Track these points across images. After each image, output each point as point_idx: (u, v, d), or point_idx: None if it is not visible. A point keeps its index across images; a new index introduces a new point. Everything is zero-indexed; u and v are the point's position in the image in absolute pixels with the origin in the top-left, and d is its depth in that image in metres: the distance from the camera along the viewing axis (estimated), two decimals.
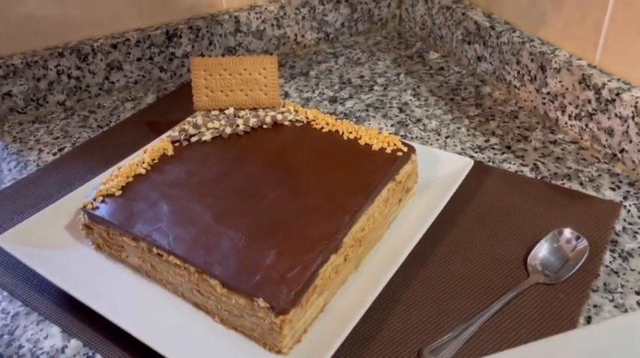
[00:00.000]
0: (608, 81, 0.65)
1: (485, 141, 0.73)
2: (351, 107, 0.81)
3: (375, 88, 0.86)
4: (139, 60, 0.86)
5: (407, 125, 0.77)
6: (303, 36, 0.97)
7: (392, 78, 0.88)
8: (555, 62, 0.71)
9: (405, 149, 0.58)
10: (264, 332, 0.45)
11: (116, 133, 0.78)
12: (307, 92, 0.85)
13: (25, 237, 0.56)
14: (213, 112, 0.65)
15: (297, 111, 0.64)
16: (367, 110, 0.80)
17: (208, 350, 0.46)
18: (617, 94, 0.64)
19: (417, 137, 0.74)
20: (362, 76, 0.89)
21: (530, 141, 0.72)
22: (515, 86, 0.80)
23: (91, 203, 0.54)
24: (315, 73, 0.90)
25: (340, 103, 0.82)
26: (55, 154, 0.74)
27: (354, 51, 0.97)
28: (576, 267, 0.53)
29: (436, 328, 0.49)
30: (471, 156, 0.70)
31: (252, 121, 0.62)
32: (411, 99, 0.82)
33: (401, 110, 0.80)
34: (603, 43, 0.68)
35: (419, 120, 0.77)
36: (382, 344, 0.48)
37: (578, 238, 0.55)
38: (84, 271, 0.53)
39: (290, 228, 0.50)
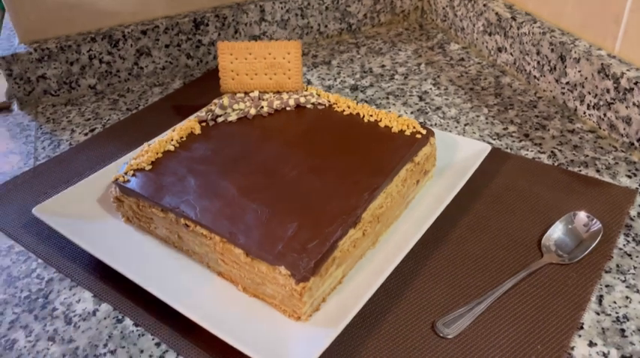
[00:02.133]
0: (627, 70, 0.66)
1: (504, 129, 0.74)
2: (372, 95, 0.83)
3: (396, 77, 0.87)
4: (167, 46, 0.89)
5: (426, 113, 0.78)
6: (326, 26, 0.99)
7: (413, 67, 0.90)
8: (575, 52, 0.72)
9: (424, 132, 0.60)
10: (284, 299, 0.48)
11: (144, 116, 0.81)
12: (329, 80, 0.87)
13: (59, 208, 0.59)
14: (238, 95, 0.67)
15: (319, 95, 0.66)
16: (387, 98, 0.82)
17: (232, 315, 0.48)
18: (636, 83, 0.64)
19: (436, 124, 0.75)
20: (383, 66, 0.91)
21: (549, 130, 0.73)
22: (534, 76, 0.81)
23: (123, 176, 0.57)
24: (337, 62, 0.92)
25: (361, 91, 0.84)
26: (86, 134, 0.78)
27: (375, 41, 0.99)
28: (589, 248, 0.54)
29: (450, 303, 0.51)
30: (489, 143, 0.71)
31: (276, 103, 0.65)
32: (431, 88, 0.84)
33: (421, 98, 0.82)
34: (623, 33, 0.68)
35: (438, 108, 0.79)
36: (397, 315, 0.50)
37: (592, 220, 0.56)
38: (114, 241, 0.56)
39: (311, 203, 0.52)
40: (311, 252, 0.47)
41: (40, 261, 0.58)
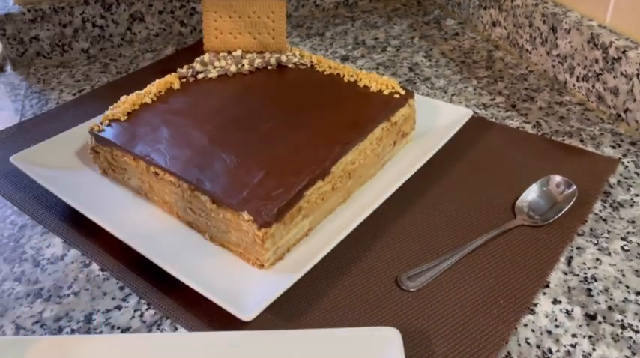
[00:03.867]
0: (616, 40, 0.65)
1: (491, 99, 0.73)
2: (362, 65, 0.82)
3: (388, 49, 0.87)
4: (160, 13, 0.89)
5: (415, 83, 0.77)
6: None
7: (406, 41, 0.89)
8: (566, 23, 0.71)
9: (403, 92, 0.59)
10: (248, 247, 0.47)
11: (133, 78, 0.81)
12: (321, 51, 0.87)
13: (37, 158, 0.59)
14: (221, 53, 0.67)
15: (302, 56, 0.66)
16: (377, 68, 0.82)
17: (196, 262, 0.48)
18: (624, 52, 0.63)
19: (423, 94, 0.75)
20: (376, 38, 0.90)
21: (536, 101, 0.72)
22: (527, 50, 0.80)
23: (98, 126, 0.57)
24: (331, 34, 0.92)
25: (352, 61, 0.84)
26: (74, 95, 0.78)
27: (371, 16, 0.98)
28: (562, 211, 0.53)
29: (418, 259, 0.50)
30: (475, 113, 0.70)
31: (257, 62, 0.64)
32: (422, 61, 0.83)
33: (411, 69, 0.81)
34: (614, 3, 0.67)
35: (427, 79, 0.78)
36: (362, 269, 0.50)
37: (568, 184, 0.55)
38: (88, 190, 0.56)
39: (280, 154, 0.52)
40: (275, 199, 0.47)
41: (15, 208, 0.59)
